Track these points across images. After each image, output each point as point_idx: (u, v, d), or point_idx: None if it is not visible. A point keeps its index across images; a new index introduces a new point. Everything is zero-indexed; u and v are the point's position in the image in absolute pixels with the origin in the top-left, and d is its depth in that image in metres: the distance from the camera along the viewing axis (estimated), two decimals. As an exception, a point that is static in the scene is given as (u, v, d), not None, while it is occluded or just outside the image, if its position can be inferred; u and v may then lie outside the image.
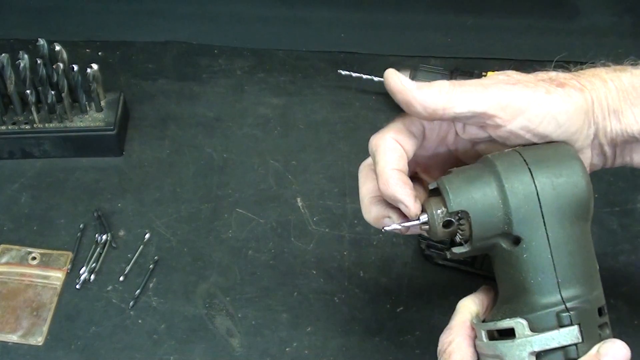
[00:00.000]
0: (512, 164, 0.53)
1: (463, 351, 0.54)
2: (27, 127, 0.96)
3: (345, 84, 1.08)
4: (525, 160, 0.53)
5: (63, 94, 0.94)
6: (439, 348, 0.55)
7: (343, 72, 1.05)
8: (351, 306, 0.83)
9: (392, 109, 1.05)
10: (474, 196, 0.52)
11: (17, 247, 0.88)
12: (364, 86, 1.07)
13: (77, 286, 0.85)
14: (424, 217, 0.54)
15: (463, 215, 0.52)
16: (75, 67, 0.94)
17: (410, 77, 1.01)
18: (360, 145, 0.96)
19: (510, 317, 0.52)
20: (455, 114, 0.54)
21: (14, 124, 0.96)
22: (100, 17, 1.19)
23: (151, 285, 0.85)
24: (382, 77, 1.02)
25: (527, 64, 1.11)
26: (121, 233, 0.90)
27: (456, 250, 0.54)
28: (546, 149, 0.54)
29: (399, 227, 0.55)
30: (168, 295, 0.84)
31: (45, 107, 0.95)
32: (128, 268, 0.86)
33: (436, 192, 0.55)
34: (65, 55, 0.95)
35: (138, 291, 0.84)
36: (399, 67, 1.03)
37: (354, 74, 1.05)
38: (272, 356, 0.79)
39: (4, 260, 0.87)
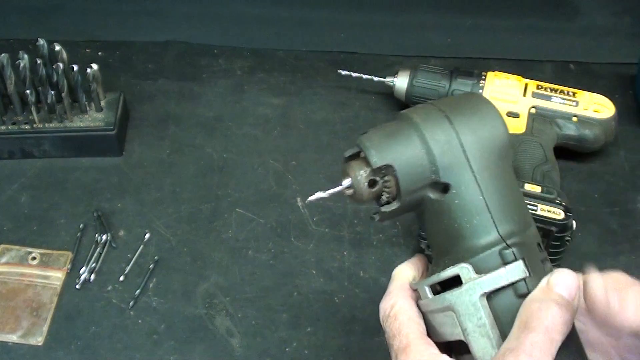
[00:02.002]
0: (430, 115, 0.52)
1: (408, 311, 0.53)
2: (27, 127, 0.96)
3: (345, 84, 1.08)
4: (441, 110, 0.52)
5: (63, 94, 0.94)
6: (381, 315, 0.54)
7: (343, 72, 1.05)
8: (351, 306, 0.83)
9: (392, 109, 1.05)
10: (396, 149, 0.51)
11: (17, 247, 0.88)
12: (364, 86, 1.07)
13: (77, 286, 0.85)
14: (347, 181, 0.53)
15: (387, 171, 0.51)
16: (75, 67, 0.94)
17: (410, 77, 1.01)
18: (360, 145, 0.96)
19: (451, 266, 0.51)
20: None
21: (14, 124, 0.96)
22: (100, 17, 1.19)
23: (151, 285, 0.85)
24: (382, 77, 1.04)
25: (527, 64, 1.12)
26: (121, 233, 0.90)
27: (385, 208, 0.53)
28: (459, 99, 0.55)
29: (323, 194, 0.54)
30: (168, 295, 0.84)
31: (45, 107, 0.95)
32: (128, 268, 0.86)
33: (356, 157, 0.54)
34: (65, 55, 0.95)
35: (138, 291, 0.84)
36: (398, 67, 1.03)
37: (354, 74, 1.05)
38: (272, 356, 0.79)
39: (4, 260, 0.87)
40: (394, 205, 0.52)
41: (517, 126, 0.95)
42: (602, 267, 0.85)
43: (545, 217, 0.80)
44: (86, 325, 0.81)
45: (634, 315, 0.49)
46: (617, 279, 0.52)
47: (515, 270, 0.50)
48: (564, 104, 0.96)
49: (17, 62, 0.91)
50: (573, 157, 0.98)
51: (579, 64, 1.13)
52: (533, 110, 0.96)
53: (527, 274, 0.50)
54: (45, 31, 1.10)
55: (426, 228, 0.54)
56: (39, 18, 1.19)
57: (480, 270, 0.50)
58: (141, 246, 0.88)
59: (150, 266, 0.86)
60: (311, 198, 0.54)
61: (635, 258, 0.88)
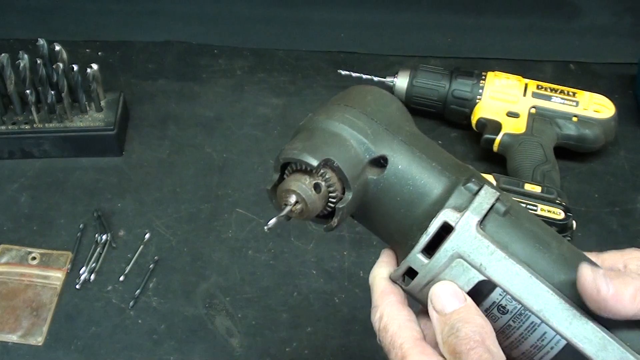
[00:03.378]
0: (330, 109, 0.52)
1: (397, 318, 0.52)
2: (27, 127, 0.96)
3: (345, 84, 1.07)
4: (336, 103, 0.53)
5: (63, 94, 0.94)
6: (375, 329, 0.53)
7: (343, 72, 1.05)
8: (351, 306, 0.83)
9: (392, 109, 1.05)
10: (324, 143, 0.51)
11: (17, 247, 0.88)
12: (364, 86, 1.07)
13: (77, 286, 0.85)
14: (292, 198, 0.51)
15: (325, 168, 0.50)
16: (75, 67, 0.94)
17: (410, 77, 1.02)
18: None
19: (433, 219, 0.50)
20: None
21: (14, 124, 0.96)
22: (100, 17, 1.19)
23: (151, 285, 0.85)
24: (382, 77, 1.04)
25: (527, 64, 1.12)
26: (121, 233, 0.90)
27: (341, 204, 0.51)
28: (343, 94, 0.54)
29: (275, 219, 0.52)
30: (168, 295, 0.84)
31: (45, 107, 0.95)
32: (128, 268, 0.86)
33: (280, 178, 0.53)
34: (65, 55, 0.95)
35: (138, 291, 0.84)
36: (398, 67, 1.03)
37: (354, 74, 1.05)
38: (272, 356, 0.79)
39: (4, 260, 0.87)
40: (348, 196, 0.51)
41: (517, 126, 0.95)
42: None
43: (545, 217, 0.80)
44: (86, 325, 0.81)
45: (629, 302, 0.48)
46: (612, 264, 0.52)
47: (488, 194, 0.50)
48: (564, 104, 0.96)
49: (17, 62, 0.91)
50: (573, 157, 0.98)
51: (579, 64, 1.13)
52: (533, 110, 0.96)
53: (498, 193, 0.50)
54: (45, 31, 1.10)
55: (380, 219, 0.53)
56: (39, 18, 1.19)
57: (459, 209, 0.50)
58: (141, 246, 0.88)
59: (150, 266, 0.86)
60: (268, 225, 0.52)
61: (635, 258, 0.88)
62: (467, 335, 0.47)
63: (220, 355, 0.79)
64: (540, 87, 0.97)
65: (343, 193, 0.51)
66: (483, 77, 0.99)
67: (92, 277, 0.85)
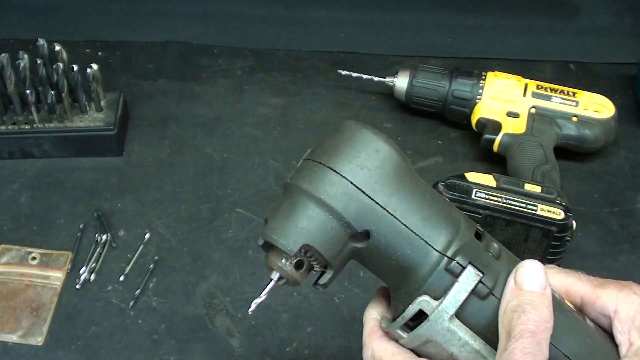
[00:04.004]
0: (313, 174, 0.50)
1: (387, 349, 0.53)
2: (27, 127, 0.96)
3: (345, 84, 1.08)
4: (320, 163, 0.50)
5: (63, 94, 0.94)
6: None
7: (343, 72, 1.05)
8: (351, 306, 0.83)
9: (392, 109, 1.05)
10: (302, 226, 0.49)
11: (17, 247, 0.88)
12: (364, 86, 1.07)
13: (77, 286, 0.85)
14: (275, 275, 0.52)
15: (306, 248, 0.50)
16: (75, 67, 0.94)
17: (410, 77, 1.02)
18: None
19: (410, 302, 0.50)
20: None
21: (13, 124, 0.96)
22: (100, 17, 1.19)
23: (151, 285, 0.85)
24: (382, 77, 1.04)
25: (527, 64, 1.12)
26: (121, 233, 0.90)
27: (322, 280, 0.52)
28: (332, 139, 0.52)
29: (260, 299, 0.53)
30: (168, 295, 0.84)
31: (45, 107, 0.95)
32: (128, 268, 0.86)
33: (267, 245, 0.52)
34: (65, 55, 0.95)
35: (138, 291, 0.84)
36: (398, 67, 1.03)
37: (354, 74, 1.05)
38: (272, 356, 0.79)
39: (4, 260, 0.87)
40: (329, 274, 0.52)
41: (517, 126, 0.95)
42: (602, 267, 0.85)
43: (545, 217, 0.80)
44: (86, 325, 0.81)
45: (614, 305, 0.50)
46: (605, 303, 0.53)
47: (469, 278, 0.49)
48: (564, 104, 0.96)
49: (17, 62, 0.91)
50: (573, 157, 0.98)
51: (579, 64, 1.13)
52: (533, 110, 0.96)
53: (481, 275, 0.50)
54: (45, 31, 1.10)
55: (370, 269, 0.54)
56: (39, 18, 1.19)
57: (437, 295, 0.50)
58: (141, 246, 0.88)
59: (150, 266, 0.86)
60: (251, 309, 0.53)
61: (635, 258, 0.88)
62: (526, 321, 0.47)
63: (220, 355, 0.79)
64: (540, 87, 0.97)
65: (326, 266, 0.52)
66: (483, 77, 0.99)
67: (92, 277, 0.85)
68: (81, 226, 0.90)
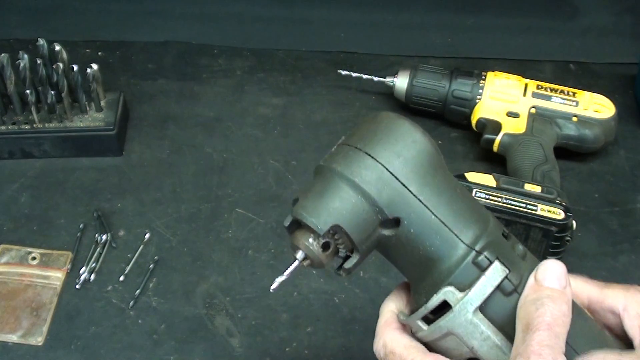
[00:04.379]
0: (349, 158, 0.50)
1: (401, 341, 0.52)
2: (27, 127, 0.96)
3: (345, 84, 1.08)
4: (356, 147, 0.51)
5: (63, 94, 0.94)
6: (379, 357, 0.54)
7: (343, 72, 1.05)
8: (351, 306, 0.83)
9: (392, 109, 1.05)
10: (334, 207, 0.50)
11: (17, 247, 0.88)
12: (364, 86, 1.07)
13: (77, 286, 0.85)
14: (300, 255, 0.51)
15: (335, 229, 0.50)
16: (75, 67, 0.94)
17: (410, 77, 1.02)
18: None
19: (433, 293, 0.50)
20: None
21: (14, 124, 0.96)
22: (100, 17, 1.19)
23: (151, 285, 0.85)
24: (382, 77, 1.04)
25: (527, 64, 1.12)
26: (121, 233, 0.90)
27: (347, 265, 0.51)
28: (369, 127, 0.52)
29: (283, 277, 0.53)
30: (168, 295, 0.84)
31: (45, 107, 0.95)
32: (128, 268, 0.86)
33: (297, 224, 0.52)
34: (65, 55, 0.95)
35: (138, 291, 0.84)
36: (398, 67, 1.03)
37: (354, 74, 1.05)
38: (272, 356, 0.79)
39: (4, 260, 0.87)
40: (355, 258, 0.51)
41: (517, 126, 0.95)
42: (602, 267, 0.85)
43: (545, 217, 0.80)
44: (86, 325, 0.81)
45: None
46: (613, 303, 0.53)
47: (495, 273, 0.49)
48: (564, 104, 0.96)
49: (17, 62, 0.91)
50: (573, 157, 0.98)
51: (579, 64, 1.13)
52: (533, 110, 0.96)
53: (507, 271, 0.50)
54: (45, 31, 1.10)
55: (394, 261, 0.54)
56: (39, 18, 1.19)
57: (462, 287, 0.50)
58: (141, 246, 0.88)
59: (150, 266, 0.86)
60: (274, 287, 0.53)
61: (636, 258, 0.88)
62: (543, 313, 0.47)
63: (220, 355, 0.79)
64: (540, 87, 0.97)
65: (352, 250, 0.51)
66: (483, 77, 0.99)
67: (92, 277, 0.85)
68: (81, 226, 0.90)
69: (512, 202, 0.81)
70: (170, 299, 0.84)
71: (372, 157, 0.50)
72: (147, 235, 0.89)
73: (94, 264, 0.86)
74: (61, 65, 0.93)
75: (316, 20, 1.20)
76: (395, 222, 0.50)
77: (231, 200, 0.94)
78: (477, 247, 0.50)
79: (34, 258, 0.87)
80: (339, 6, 1.21)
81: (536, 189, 0.82)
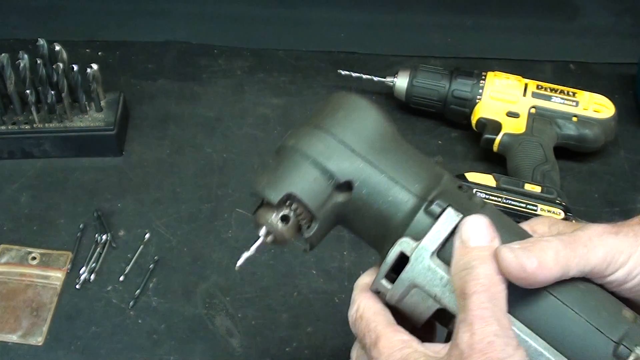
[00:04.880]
0: (301, 132, 0.53)
1: (372, 307, 0.53)
2: (27, 127, 0.96)
3: (345, 84, 1.08)
4: (310, 123, 0.54)
5: (63, 94, 0.94)
6: (350, 322, 0.54)
7: (343, 72, 1.05)
8: (351, 306, 0.83)
9: (392, 109, 1.05)
10: (287, 177, 0.52)
11: (17, 247, 0.88)
12: (364, 86, 1.07)
13: (77, 286, 0.85)
14: (262, 230, 0.54)
15: (292, 200, 0.52)
16: (75, 67, 0.94)
17: (410, 77, 1.02)
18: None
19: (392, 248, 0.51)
20: (567, 277, 0.50)
21: (14, 124, 0.96)
22: (100, 17, 1.19)
23: (151, 285, 0.85)
24: (382, 77, 1.04)
25: (527, 64, 1.12)
26: (121, 233, 0.90)
27: (307, 233, 0.53)
28: (324, 106, 0.55)
29: (248, 253, 0.55)
30: (168, 295, 0.84)
31: (45, 107, 0.95)
32: (128, 268, 0.86)
33: (261, 205, 0.54)
34: (65, 55, 0.95)
35: (138, 291, 0.84)
36: (398, 67, 1.03)
37: (354, 74, 1.05)
38: (272, 356, 0.79)
39: (4, 260, 0.87)
40: (314, 226, 0.53)
41: (517, 126, 0.95)
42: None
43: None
44: (86, 325, 0.81)
45: (553, 265, 0.48)
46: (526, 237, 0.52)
47: (449, 219, 0.50)
48: (564, 104, 0.96)
49: (17, 62, 0.91)
50: (573, 157, 0.98)
51: (579, 64, 1.13)
52: (533, 110, 0.96)
53: (461, 215, 0.50)
54: (45, 31, 1.09)
55: (357, 230, 0.55)
56: (39, 18, 1.19)
57: (418, 237, 0.50)
58: (141, 246, 0.88)
59: (150, 266, 0.86)
60: (239, 263, 0.55)
61: (635, 258, 0.88)
62: (477, 276, 0.47)
63: (220, 355, 0.79)
64: (540, 87, 0.97)
65: (312, 219, 0.53)
66: (483, 77, 0.99)
67: (92, 277, 0.85)
68: (81, 226, 0.90)
69: (512, 202, 0.81)
70: (170, 299, 0.84)
71: (320, 128, 0.53)
72: (147, 235, 0.89)
73: (94, 264, 0.86)
74: (61, 65, 0.93)
75: (316, 20, 1.20)
76: (348, 186, 0.52)
77: (231, 200, 0.94)
78: (429, 197, 0.51)
79: (34, 258, 0.87)
80: (339, 6, 1.21)
81: (536, 189, 0.82)
